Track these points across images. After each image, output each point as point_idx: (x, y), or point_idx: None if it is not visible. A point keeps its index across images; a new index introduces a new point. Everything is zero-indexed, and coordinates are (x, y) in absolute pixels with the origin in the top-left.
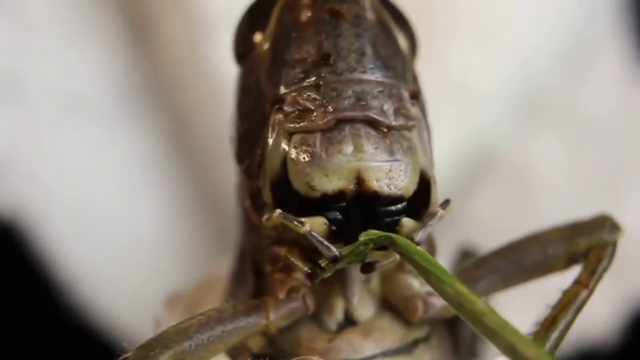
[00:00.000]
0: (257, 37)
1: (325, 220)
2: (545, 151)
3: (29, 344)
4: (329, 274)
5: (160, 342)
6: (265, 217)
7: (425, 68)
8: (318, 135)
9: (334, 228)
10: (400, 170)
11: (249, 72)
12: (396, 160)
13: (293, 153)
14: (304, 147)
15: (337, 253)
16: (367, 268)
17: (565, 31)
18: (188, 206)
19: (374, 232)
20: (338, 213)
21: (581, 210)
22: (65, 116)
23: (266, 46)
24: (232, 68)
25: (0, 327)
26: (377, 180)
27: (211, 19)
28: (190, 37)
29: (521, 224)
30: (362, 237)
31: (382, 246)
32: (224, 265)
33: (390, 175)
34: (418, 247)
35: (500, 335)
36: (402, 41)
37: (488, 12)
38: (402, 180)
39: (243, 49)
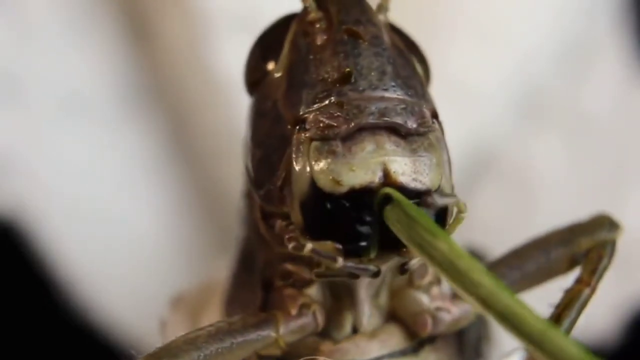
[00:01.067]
0: (270, 65)
1: (336, 245)
2: (545, 151)
3: (29, 344)
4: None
5: (169, 351)
6: (292, 244)
7: None
8: (339, 141)
9: (349, 248)
10: (425, 165)
11: (263, 99)
12: (419, 156)
13: (315, 155)
14: (326, 148)
15: (376, 268)
16: (403, 270)
17: (565, 31)
18: (189, 206)
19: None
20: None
21: (581, 209)
22: (65, 116)
23: (281, 71)
24: (232, 68)
25: (0, 327)
26: (402, 174)
27: (211, 19)
28: (190, 37)
29: (521, 223)
30: None
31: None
32: (226, 267)
33: (414, 169)
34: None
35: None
36: (417, 66)
37: (488, 12)
38: (427, 174)
39: (255, 77)
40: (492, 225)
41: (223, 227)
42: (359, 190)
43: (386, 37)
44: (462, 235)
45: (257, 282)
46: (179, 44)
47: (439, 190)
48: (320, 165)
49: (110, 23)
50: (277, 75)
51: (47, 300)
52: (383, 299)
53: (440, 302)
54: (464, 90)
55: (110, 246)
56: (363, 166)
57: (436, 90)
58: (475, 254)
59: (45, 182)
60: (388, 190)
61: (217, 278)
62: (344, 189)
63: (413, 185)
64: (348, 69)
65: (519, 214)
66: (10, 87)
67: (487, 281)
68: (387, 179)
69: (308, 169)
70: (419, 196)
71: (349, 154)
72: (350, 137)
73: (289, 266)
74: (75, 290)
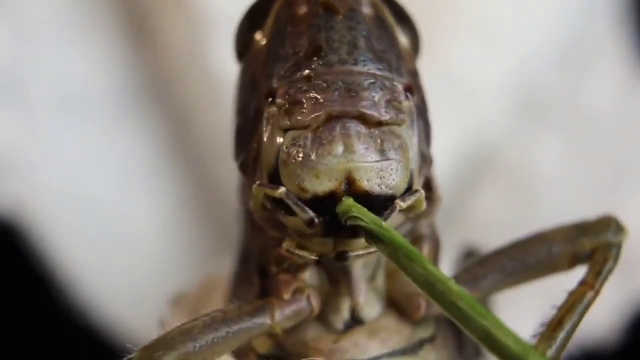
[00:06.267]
0: (257, 35)
1: (315, 218)
2: (545, 150)
3: (29, 344)
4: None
5: (165, 343)
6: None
7: (426, 67)
8: (309, 135)
9: (323, 223)
10: (392, 170)
11: (246, 69)
12: (387, 159)
13: (285, 154)
14: (295, 148)
15: (314, 216)
16: (341, 257)
17: (565, 31)
18: (189, 205)
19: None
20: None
21: (582, 209)
22: (66, 116)
23: (263, 42)
24: (232, 67)
25: (0, 327)
26: (368, 181)
27: (211, 19)
28: (190, 37)
29: (522, 223)
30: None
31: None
32: (227, 265)
33: (381, 175)
34: (385, 223)
35: (475, 320)
36: (402, 38)
37: (488, 12)
38: (394, 180)
39: (242, 46)
40: (493, 224)
41: (223, 226)
42: (322, 197)
43: (365, 8)
44: (462, 234)
45: (255, 273)
46: (179, 43)
47: (405, 195)
48: (289, 167)
49: (110, 23)
50: (261, 45)
51: (47, 300)
52: (380, 281)
53: None
54: (464, 89)
55: (110, 245)
56: (328, 174)
57: (436, 89)
58: (472, 253)
59: (45, 182)
60: (349, 201)
61: (216, 277)
62: (308, 196)
63: (378, 191)
64: (319, 44)
65: (519, 214)
66: (10, 87)
67: (464, 298)
68: (352, 187)
69: (275, 146)
70: (385, 201)
71: (316, 157)
72: (320, 131)
73: (282, 250)
74: (75, 290)
